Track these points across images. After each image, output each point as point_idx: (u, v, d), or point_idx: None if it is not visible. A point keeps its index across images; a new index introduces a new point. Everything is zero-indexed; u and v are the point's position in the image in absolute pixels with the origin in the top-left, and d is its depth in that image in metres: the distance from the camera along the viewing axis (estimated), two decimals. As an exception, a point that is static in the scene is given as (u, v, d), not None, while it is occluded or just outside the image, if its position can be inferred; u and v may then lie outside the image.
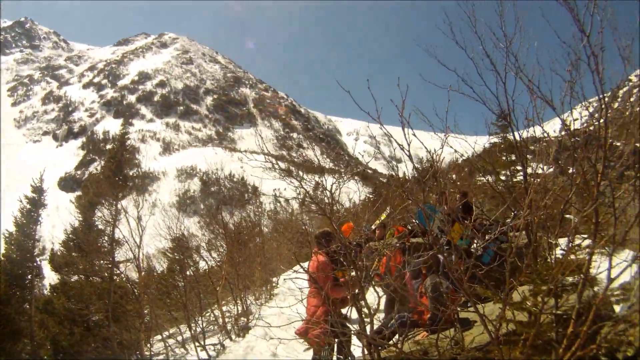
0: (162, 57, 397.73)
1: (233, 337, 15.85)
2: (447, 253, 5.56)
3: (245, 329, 16.05)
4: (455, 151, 6.91)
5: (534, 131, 6.97)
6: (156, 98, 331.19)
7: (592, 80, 4.59)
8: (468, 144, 6.91)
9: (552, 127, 7.39)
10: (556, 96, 5.21)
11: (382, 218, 12.56)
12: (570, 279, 5.47)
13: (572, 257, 5.41)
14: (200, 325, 16.59)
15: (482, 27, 6.02)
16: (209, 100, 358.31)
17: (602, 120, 4.72)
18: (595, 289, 5.28)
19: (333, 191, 6.54)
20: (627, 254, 4.96)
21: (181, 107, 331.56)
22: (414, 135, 4.84)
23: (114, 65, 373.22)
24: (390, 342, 6.90)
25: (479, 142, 7.69)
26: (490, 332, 4.83)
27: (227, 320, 17.18)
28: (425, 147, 5.47)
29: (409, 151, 4.90)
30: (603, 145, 4.68)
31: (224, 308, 18.27)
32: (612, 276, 4.64)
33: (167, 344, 18.07)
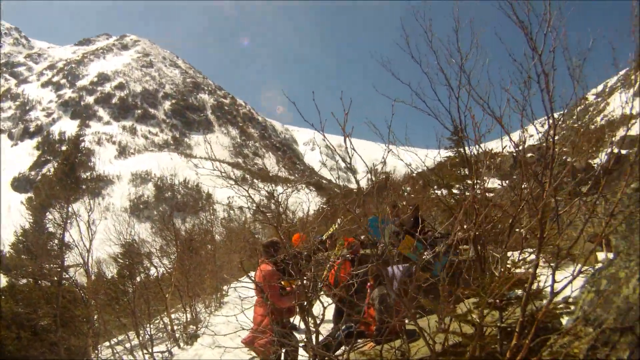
0: (123, 59, 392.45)
1: (181, 345, 15.73)
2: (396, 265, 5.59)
3: (194, 337, 15.94)
4: (406, 164, 6.98)
5: (484, 147, 7.06)
6: (114, 100, 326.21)
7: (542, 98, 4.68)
8: (418, 157, 6.95)
9: (507, 144, 7.49)
10: (512, 114, 5.28)
11: (333, 229, 12.63)
12: (519, 291, 5.55)
13: (521, 270, 5.49)
14: (149, 333, 16.41)
15: (438, 43, 6.08)
16: (167, 104, 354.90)
17: (549, 139, 4.80)
18: (543, 302, 5.35)
19: (281, 200, 6.55)
20: (577, 268, 5.06)
21: (139, 111, 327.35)
22: (353, 149, 4.87)
23: (73, 65, 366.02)
24: (337, 352, 6.93)
25: (431, 156, 7.75)
26: (429, 345, 4.87)
27: (175, 328, 17.05)
28: (363, 160, 5.52)
29: (349, 163, 4.94)
30: (550, 162, 4.76)
31: (173, 315, 18.13)
32: (556, 290, 4.72)
33: (115, 351, 17.82)
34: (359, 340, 7.36)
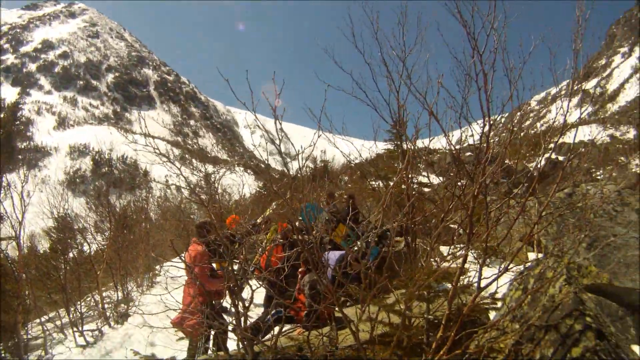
0: (69, 27, 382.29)
1: (112, 324, 15.54)
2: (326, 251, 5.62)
3: (125, 316, 15.77)
4: (343, 154, 6.99)
5: (423, 143, 7.13)
6: (57, 69, 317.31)
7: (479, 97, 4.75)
8: (354, 147, 6.97)
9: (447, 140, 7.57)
10: (451, 112, 5.34)
11: (267, 213, 12.65)
12: (448, 285, 5.64)
13: (449, 264, 5.59)
14: (80, 311, 16.14)
15: (384, 36, 6.08)
16: (110, 77, 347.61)
17: (484, 138, 4.89)
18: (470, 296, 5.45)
19: (215, 181, 6.53)
20: (503, 266, 5.16)
21: (81, 82, 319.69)
22: (282, 129, 4.87)
23: (18, 30, 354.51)
24: (266, 337, 6.95)
25: (371, 147, 7.77)
26: (353, 333, 4.92)
27: (106, 306, 16.83)
28: (292, 143, 5.52)
29: (279, 145, 4.96)
30: (484, 161, 4.84)
31: (105, 294, 17.88)
32: (484, 286, 4.82)
33: (45, 328, 17.48)
34: (288, 326, 7.38)
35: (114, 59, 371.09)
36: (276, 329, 6.42)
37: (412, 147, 6.29)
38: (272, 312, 7.42)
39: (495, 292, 5.74)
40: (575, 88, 5.27)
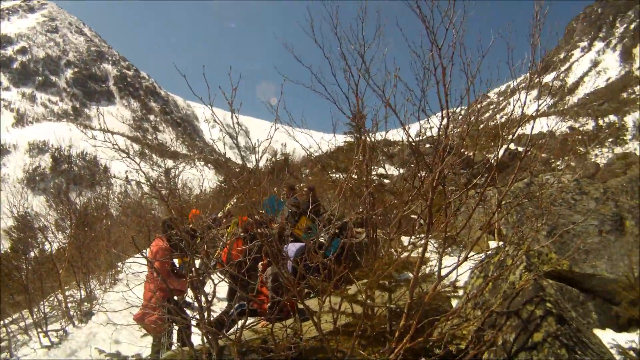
0: (28, 22, 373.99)
1: (76, 323, 15.39)
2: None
3: (88, 315, 15.63)
4: (302, 147, 7.01)
5: (382, 135, 7.17)
6: (15, 65, 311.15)
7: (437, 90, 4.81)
8: (313, 140, 6.98)
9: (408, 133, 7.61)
10: (411, 106, 5.37)
11: (228, 207, 12.64)
12: (410, 274, 5.69)
13: (410, 254, 5.65)
14: (43, 311, 15.96)
15: (344, 29, 6.09)
16: (69, 73, 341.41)
17: (442, 130, 4.95)
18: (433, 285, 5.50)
19: (174, 176, 6.50)
20: (462, 255, 5.23)
21: (40, 78, 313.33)
22: (238, 123, 4.87)
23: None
24: (231, 330, 6.95)
25: (330, 140, 7.78)
26: (315, 324, 4.96)
27: (70, 305, 16.66)
28: (249, 137, 5.55)
29: (236, 138, 4.97)
30: (442, 152, 4.90)
31: (67, 293, 17.69)
32: (443, 274, 4.88)
33: (9, 330, 17.27)
34: (252, 319, 7.39)
35: (73, 54, 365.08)
36: (240, 322, 6.42)
37: (371, 140, 6.33)
38: (236, 305, 7.42)
39: (456, 280, 5.81)
40: (536, 81, 5.36)
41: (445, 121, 4.92)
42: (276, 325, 6.28)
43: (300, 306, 6.56)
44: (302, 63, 6.15)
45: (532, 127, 5.67)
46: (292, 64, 6.24)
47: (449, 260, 5.31)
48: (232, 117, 4.84)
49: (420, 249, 5.19)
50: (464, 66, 4.91)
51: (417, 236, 5.84)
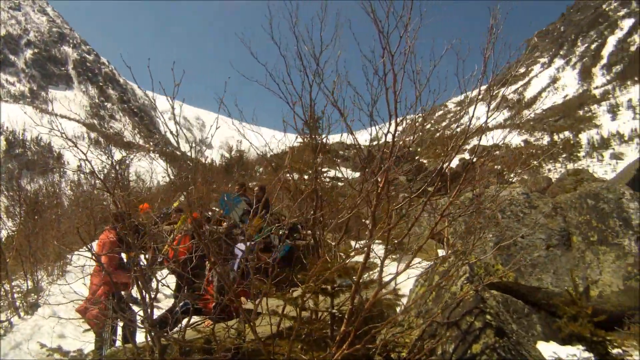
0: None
1: (21, 314, 15.14)
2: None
3: (34, 307, 15.38)
4: (251, 144, 6.98)
5: (332, 138, 7.18)
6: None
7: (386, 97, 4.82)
8: (263, 138, 6.95)
9: (365, 138, 7.62)
10: (362, 110, 5.37)
11: (177, 203, 12.54)
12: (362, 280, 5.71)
13: (354, 259, 5.66)
14: (-12, 302, 15.66)
15: (303, 29, 6.08)
16: (29, 53, 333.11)
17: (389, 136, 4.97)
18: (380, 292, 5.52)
19: (123, 167, 6.40)
20: (401, 264, 5.25)
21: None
22: (174, 121, 4.85)
23: None
24: (175, 329, 6.89)
25: (281, 139, 7.74)
26: (252, 327, 4.95)
27: (16, 296, 16.38)
28: (189, 132, 5.49)
29: (177, 133, 4.94)
30: (388, 157, 4.92)
31: (14, 282, 17.38)
32: (387, 280, 4.90)
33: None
34: (197, 318, 7.33)
35: (34, 34, 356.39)
36: (185, 321, 6.37)
37: (322, 142, 6.33)
38: (180, 304, 7.36)
39: (398, 288, 5.84)
40: (493, 93, 5.42)
41: (392, 128, 4.93)
42: (221, 325, 6.25)
43: (246, 307, 6.54)
44: (258, 60, 6.11)
45: (480, 139, 5.72)
46: (252, 60, 6.18)
47: (395, 268, 5.33)
48: (173, 113, 4.78)
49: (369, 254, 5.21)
50: (413, 75, 4.93)
51: (367, 241, 5.86)
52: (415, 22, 4.93)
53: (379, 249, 6.81)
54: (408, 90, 5.03)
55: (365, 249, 5.26)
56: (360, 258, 5.74)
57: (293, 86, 6.27)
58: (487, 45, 5.00)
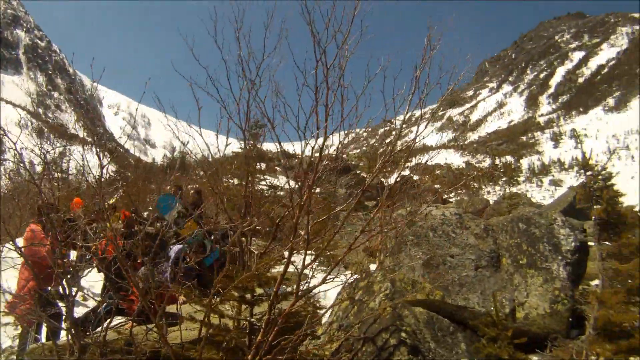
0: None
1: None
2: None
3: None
4: (184, 145, 6.90)
5: (277, 146, 7.17)
6: None
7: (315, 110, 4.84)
8: (203, 140, 6.84)
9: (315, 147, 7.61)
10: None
11: (112, 200, 12.37)
12: (288, 289, 5.72)
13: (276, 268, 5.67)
14: None
15: (248, 35, 6.04)
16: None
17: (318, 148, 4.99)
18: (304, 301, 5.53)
19: (57, 159, 6.27)
20: (320, 276, 5.28)
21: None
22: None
23: None
24: (98, 329, 6.77)
25: (217, 144, 7.66)
26: (161, 334, 4.92)
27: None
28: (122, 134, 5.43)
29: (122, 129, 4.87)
30: (314, 170, 4.94)
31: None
32: (320, 291, 4.93)
33: None
34: (122, 319, 7.23)
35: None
36: (108, 321, 6.27)
37: (257, 149, 6.33)
38: (104, 303, 7.24)
39: (316, 300, 5.87)
40: (441, 113, 5.50)
41: (320, 141, 4.94)
42: (140, 328, 6.18)
43: (171, 310, 6.48)
44: (200, 63, 6.07)
45: (407, 158, 5.79)
46: (195, 62, 6.11)
47: (324, 279, 5.35)
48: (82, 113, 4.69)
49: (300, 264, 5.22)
50: (341, 89, 4.95)
51: (300, 251, 5.87)
52: (355, 37, 4.97)
53: (307, 260, 6.83)
54: (350, 104, 5.04)
55: (294, 258, 5.28)
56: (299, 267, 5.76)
57: (232, 92, 6.24)
58: (422, 64, 5.07)
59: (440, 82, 5.29)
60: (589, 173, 8.59)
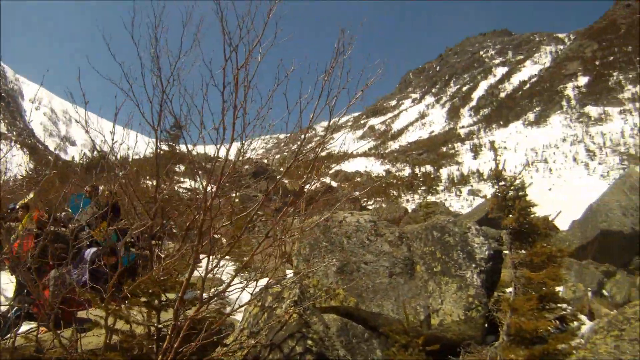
0: None
1: None
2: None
3: None
4: (93, 141, 6.76)
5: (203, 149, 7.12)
6: None
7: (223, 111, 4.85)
8: (104, 135, 6.68)
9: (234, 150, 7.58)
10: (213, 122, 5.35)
11: (27, 199, 12.06)
12: (198, 294, 5.68)
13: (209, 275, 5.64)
14: None
15: (164, 32, 5.95)
16: None
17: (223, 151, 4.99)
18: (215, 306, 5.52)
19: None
20: (223, 283, 5.29)
21: None
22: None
23: None
24: (8, 335, 6.60)
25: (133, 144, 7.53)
26: (60, 341, 4.85)
27: None
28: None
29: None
30: (220, 174, 4.95)
31: None
32: (215, 297, 4.92)
33: None
34: (33, 324, 7.07)
35: None
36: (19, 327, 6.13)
37: (173, 150, 6.28)
38: (14, 308, 7.06)
39: (223, 306, 5.87)
40: (363, 122, 5.57)
41: (229, 145, 4.95)
42: (49, 333, 6.05)
43: (84, 315, 6.35)
44: (115, 58, 5.95)
45: (327, 165, 5.85)
46: (120, 56, 5.98)
47: (238, 285, 5.35)
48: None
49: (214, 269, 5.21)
50: (251, 91, 4.97)
51: (218, 257, 5.85)
52: (269, 40, 5.00)
53: (228, 266, 6.80)
54: (258, 107, 5.05)
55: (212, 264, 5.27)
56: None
57: (145, 89, 6.14)
58: (329, 71, 5.13)
59: (347, 87, 5.36)
60: (501, 183, 8.83)
